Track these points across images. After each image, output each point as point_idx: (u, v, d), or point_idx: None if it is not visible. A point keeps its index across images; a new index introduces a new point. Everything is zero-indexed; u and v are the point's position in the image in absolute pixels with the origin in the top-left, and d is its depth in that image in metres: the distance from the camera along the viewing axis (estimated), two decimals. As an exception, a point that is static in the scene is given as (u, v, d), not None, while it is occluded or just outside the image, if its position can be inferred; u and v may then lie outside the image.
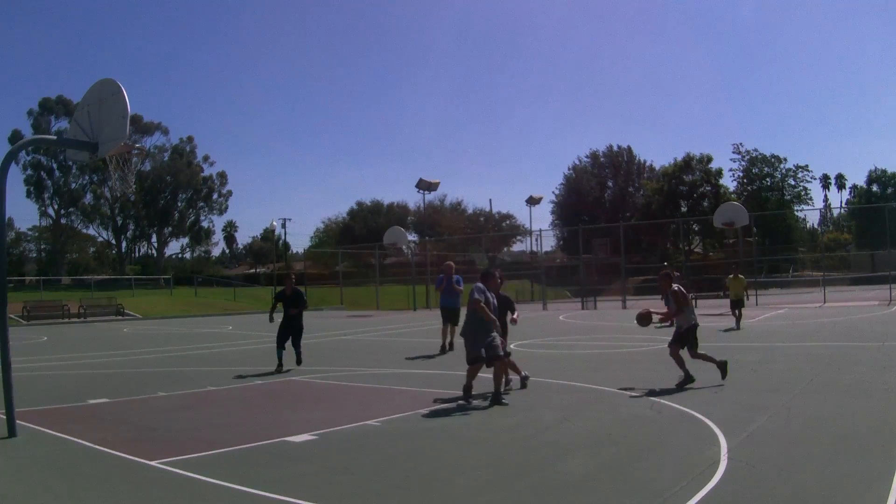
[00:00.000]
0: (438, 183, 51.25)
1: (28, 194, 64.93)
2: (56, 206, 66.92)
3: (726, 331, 16.50)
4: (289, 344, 11.83)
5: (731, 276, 18.66)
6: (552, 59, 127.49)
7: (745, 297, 18.71)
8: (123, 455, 5.77)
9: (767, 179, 69.12)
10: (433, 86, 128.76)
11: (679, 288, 9.06)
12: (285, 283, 12.53)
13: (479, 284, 8.24)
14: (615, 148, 79.30)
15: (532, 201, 57.73)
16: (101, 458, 5.81)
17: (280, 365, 11.56)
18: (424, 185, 49.70)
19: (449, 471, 5.24)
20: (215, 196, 73.94)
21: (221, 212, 76.09)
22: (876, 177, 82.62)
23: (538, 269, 42.46)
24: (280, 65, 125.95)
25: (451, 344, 13.96)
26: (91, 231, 72.70)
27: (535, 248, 55.20)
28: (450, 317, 14.18)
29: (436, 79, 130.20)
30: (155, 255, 74.80)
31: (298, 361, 11.83)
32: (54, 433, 6.79)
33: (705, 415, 6.68)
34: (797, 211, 68.08)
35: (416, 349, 15.07)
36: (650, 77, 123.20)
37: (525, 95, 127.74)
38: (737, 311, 17.67)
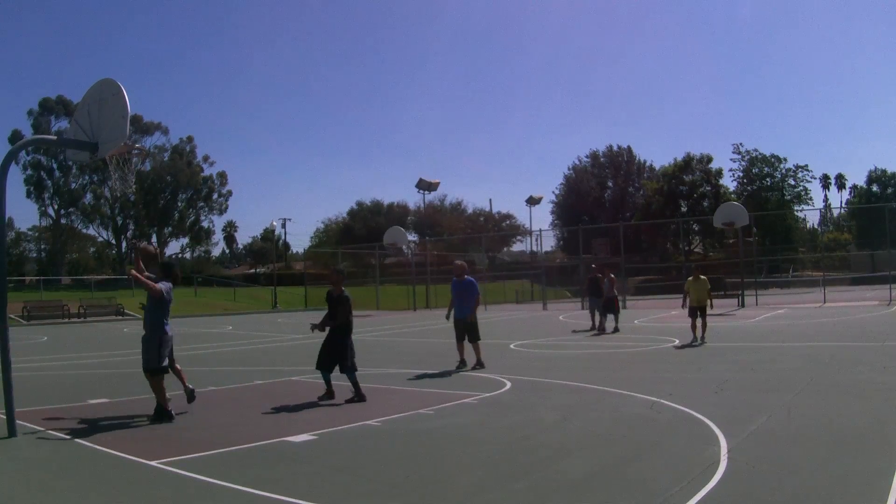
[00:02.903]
0: (438, 183, 51.45)
1: (28, 194, 64.88)
2: (56, 206, 66.89)
3: (680, 347, 13.39)
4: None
5: (690, 277, 14.75)
6: (552, 59, 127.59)
7: (710, 305, 14.32)
8: (123, 455, 5.77)
9: (767, 179, 69.15)
10: (433, 86, 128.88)
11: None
12: (333, 279, 8.84)
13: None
14: (615, 148, 79.46)
15: (532, 201, 57.85)
16: (101, 458, 5.80)
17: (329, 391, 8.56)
18: (424, 185, 49.84)
19: (449, 471, 5.23)
20: (215, 196, 73.86)
21: (221, 212, 76.01)
22: (876, 177, 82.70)
23: (538, 269, 42.50)
24: (280, 65, 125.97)
25: (479, 362, 11.03)
26: (91, 231, 72.77)
27: (535, 248, 55.33)
28: (460, 331, 11.24)
29: (436, 79, 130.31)
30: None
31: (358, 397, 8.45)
32: (54, 433, 6.79)
33: (705, 415, 6.68)
34: (797, 211, 68.20)
35: (416, 349, 15.08)
36: (650, 77, 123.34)
37: (525, 95, 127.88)
38: (699, 321, 13.98)
